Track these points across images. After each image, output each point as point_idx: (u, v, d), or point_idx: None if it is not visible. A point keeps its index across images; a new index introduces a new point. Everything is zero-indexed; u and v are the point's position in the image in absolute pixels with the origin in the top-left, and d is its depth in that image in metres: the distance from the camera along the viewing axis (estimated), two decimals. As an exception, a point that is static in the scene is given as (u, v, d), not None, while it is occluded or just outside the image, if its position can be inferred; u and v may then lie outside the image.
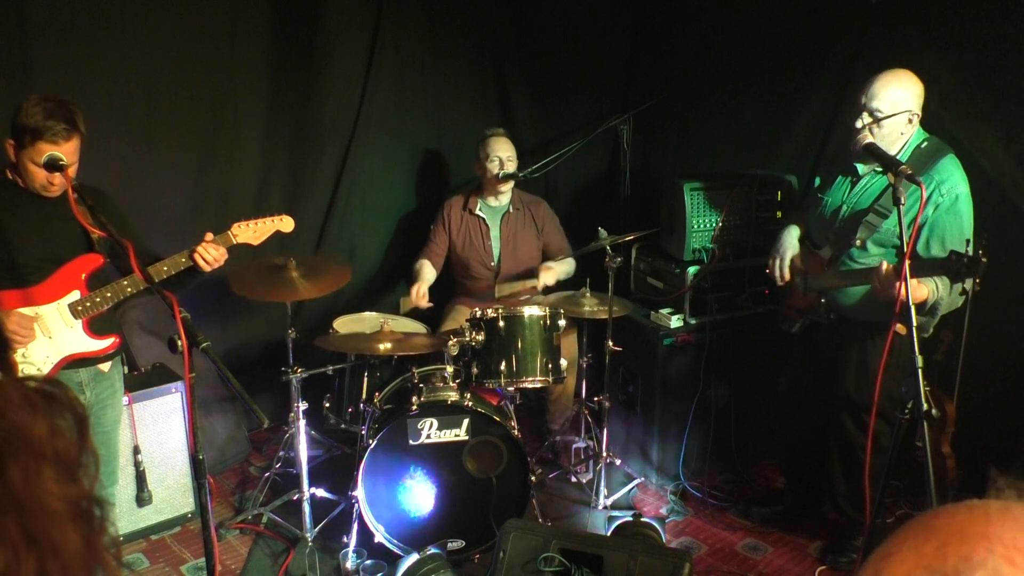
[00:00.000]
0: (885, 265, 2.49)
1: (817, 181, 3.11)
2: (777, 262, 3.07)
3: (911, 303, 2.12)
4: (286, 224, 2.82)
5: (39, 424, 0.65)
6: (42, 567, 0.61)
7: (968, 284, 2.22)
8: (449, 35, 4.27)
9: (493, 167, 3.74)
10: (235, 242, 2.68)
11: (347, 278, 3.28)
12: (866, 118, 2.67)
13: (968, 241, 2.41)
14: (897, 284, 2.32)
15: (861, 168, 2.85)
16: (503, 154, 3.74)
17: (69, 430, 0.68)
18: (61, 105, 2.34)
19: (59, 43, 3.19)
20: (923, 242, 2.63)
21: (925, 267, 2.41)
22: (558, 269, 3.78)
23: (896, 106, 2.65)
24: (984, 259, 2.17)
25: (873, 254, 2.76)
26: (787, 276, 3.06)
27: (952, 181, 2.61)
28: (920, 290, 2.46)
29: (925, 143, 2.72)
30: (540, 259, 3.96)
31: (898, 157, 2.67)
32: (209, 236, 2.62)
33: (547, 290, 3.77)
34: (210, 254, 2.58)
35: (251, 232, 2.72)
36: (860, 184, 2.86)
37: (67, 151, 2.35)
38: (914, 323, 2.10)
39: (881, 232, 2.74)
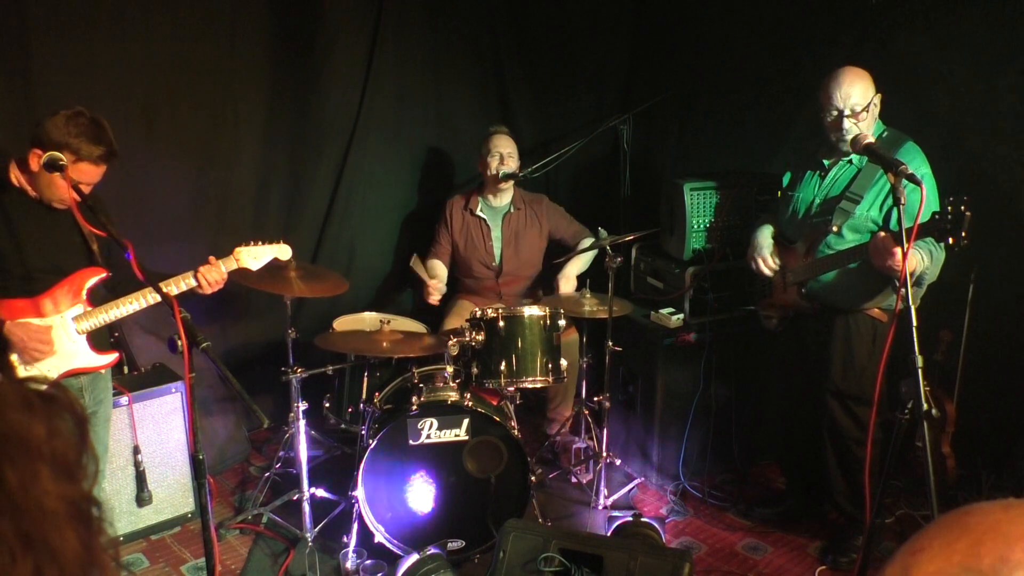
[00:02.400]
0: (882, 233, 2.57)
1: (785, 180, 3.17)
2: (760, 261, 3.12)
3: (898, 281, 2.14)
4: (284, 252, 2.84)
5: (37, 426, 0.64)
6: (38, 568, 0.61)
7: (953, 241, 2.28)
8: (449, 35, 4.26)
9: (493, 162, 3.75)
10: (236, 265, 2.68)
11: (344, 288, 3.30)
12: (849, 117, 2.78)
13: (944, 204, 2.43)
14: (894, 250, 2.45)
15: (826, 161, 2.96)
16: (504, 149, 3.75)
17: (69, 432, 0.67)
18: (102, 127, 2.33)
19: (59, 43, 3.19)
20: (894, 221, 2.67)
21: (911, 232, 2.44)
22: (572, 271, 3.79)
23: (867, 97, 2.79)
24: (967, 213, 2.22)
25: (849, 240, 2.85)
26: (772, 267, 3.09)
27: (916, 163, 2.74)
28: (911, 261, 2.52)
29: (886, 133, 2.87)
30: (542, 258, 3.96)
31: None
32: (212, 259, 2.62)
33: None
34: (212, 276, 2.59)
35: (251, 256, 2.73)
36: (830, 175, 2.96)
37: (99, 173, 2.37)
38: (914, 323, 2.10)
39: (855, 218, 2.83)
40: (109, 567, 0.68)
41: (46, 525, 0.62)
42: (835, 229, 2.86)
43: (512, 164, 3.77)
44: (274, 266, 3.18)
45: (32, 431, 0.64)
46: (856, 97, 2.76)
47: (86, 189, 2.39)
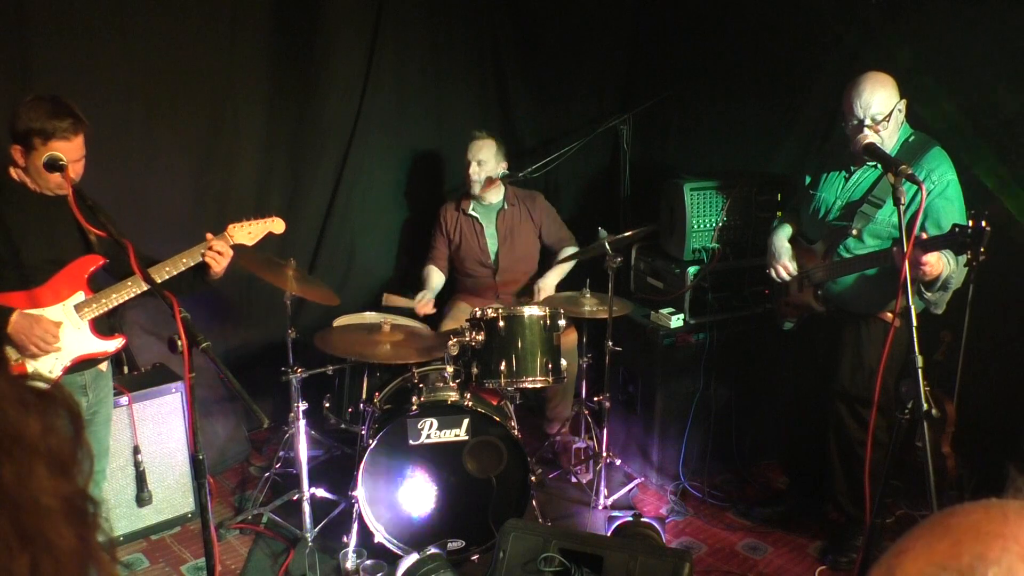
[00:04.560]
0: (895, 248, 2.56)
1: (807, 179, 3.13)
2: (779, 268, 3.11)
3: (924, 285, 2.14)
4: (277, 225, 2.83)
5: (32, 422, 0.65)
6: (35, 564, 0.61)
7: (971, 255, 2.27)
8: (449, 35, 4.26)
9: (470, 170, 3.77)
10: (232, 242, 2.69)
11: (336, 302, 3.31)
12: (870, 126, 2.74)
13: (970, 215, 2.43)
14: (920, 259, 2.41)
15: (853, 165, 2.93)
16: (478, 155, 3.76)
17: (64, 428, 0.67)
18: (60, 102, 2.35)
19: (59, 43, 3.19)
20: (919, 228, 2.66)
21: (929, 243, 2.44)
22: (551, 281, 3.83)
23: (889, 104, 2.75)
24: (987, 228, 2.21)
25: (869, 245, 2.83)
26: (792, 272, 3.08)
27: (942, 170, 2.72)
28: (938, 265, 2.52)
29: (912, 137, 2.84)
30: (538, 254, 3.97)
31: (889, 152, 2.74)
32: (209, 236, 2.63)
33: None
34: (221, 253, 2.59)
35: (246, 233, 2.73)
36: (854, 177, 2.93)
37: (77, 146, 2.37)
38: (914, 323, 2.10)
39: (876, 223, 2.81)
40: (105, 562, 0.68)
41: (42, 521, 0.62)
42: (855, 233, 2.83)
43: (489, 168, 3.77)
44: (274, 263, 3.20)
45: (27, 427, 0.64)
46: (877, 106, 2.72)
47: (79, 167, 2.40)
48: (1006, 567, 0.52)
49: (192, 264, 2.58)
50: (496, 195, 3.89)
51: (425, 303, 3.72)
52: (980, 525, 0.56)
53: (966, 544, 0.55)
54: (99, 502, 0.69)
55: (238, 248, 2.72)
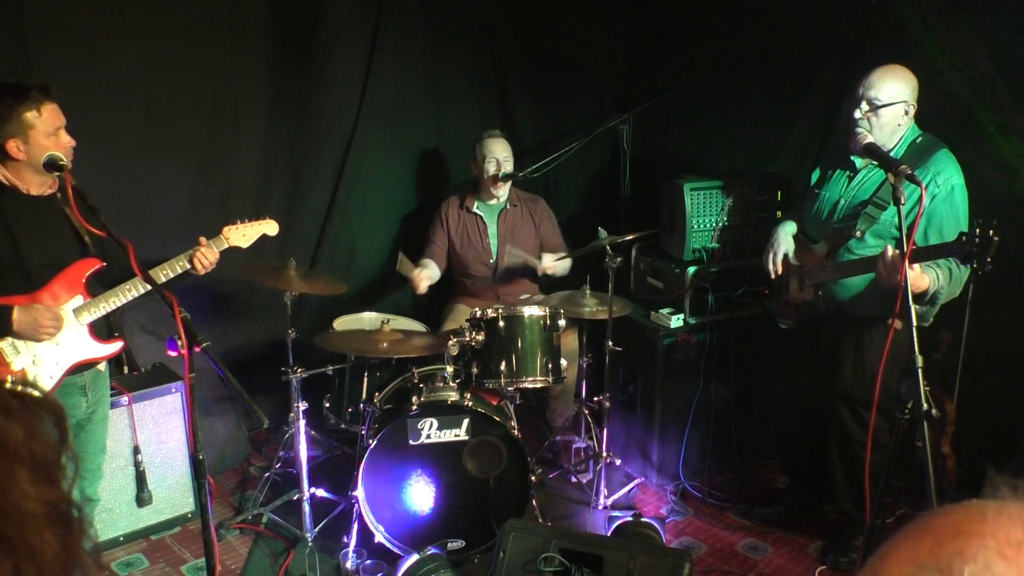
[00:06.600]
0: (890, 250, 2.48)
1: (814, 178, 3.11)
2: (770, 256, 3.08)
3: (910, 297, 2.13)
4: (271, 227, 2.87)
5: (15, 428, 0.65)
6: (17, 570, 0.61)
7: (976, 266, 2.23)
8: (449, 35, 4.26)
9: (491, 167, 3.75)
10: (227, 245, 2.72)
11: (342, 289, 3.31)
12: (864, 107, 2.71)
13: (973, 224, 2.40)
14: (902, 270, 2.33)
15: (859, 162, 2.89)
16: (500, 155, 3.76)
17: (48, 432, 0.67)
18: (16, 82, 2.36)
19: (59, 43, 3.19)
20: (921, 232, 2.64)
21: (934, 251, 2.41)
22: (550, 259, 3.81)
23: (893, 96, 2.70)
24: (995, 237, 2.16)
25: (872, 246, 2.79)
26: (780, 269, 3.06)
27: (947, 173, 2.67)
28: (922, 279, 2.48)
29: (920, 138, 2.79)
30: (539, 256, 3.97)
31: (893, 152, 2.72)
32: (203, 240, 2.65)
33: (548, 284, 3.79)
34: (207, 258, 2.62)
35: (240, 234, 2.76)
36: (858, 177, 2.89)
37: (55, 110, 2.35)
38: (914, 323, 2.10)
39: (880, 224, 2.77)
40: (89, 566, 0.68)
41: (25, 527, 0.62)
42: (859, 235, 2.79)
43: (508, 167, 3.79)
44: (275, 267, 3.20)
45: (9, 434, 0.64)
46: (878, 90, 2.67)
47: (67, 141, 2.38)
48: (983, 563, 0.54)
49: (188, 267, 2.61)
50: (503, 194, 3.89)
51: (421, 275, 3.65)
52: (960, 524, 0.57)
53: (946, 544, 0.56)
54: (84, 506, 0.69)
55: (233, 250, 2.72)
